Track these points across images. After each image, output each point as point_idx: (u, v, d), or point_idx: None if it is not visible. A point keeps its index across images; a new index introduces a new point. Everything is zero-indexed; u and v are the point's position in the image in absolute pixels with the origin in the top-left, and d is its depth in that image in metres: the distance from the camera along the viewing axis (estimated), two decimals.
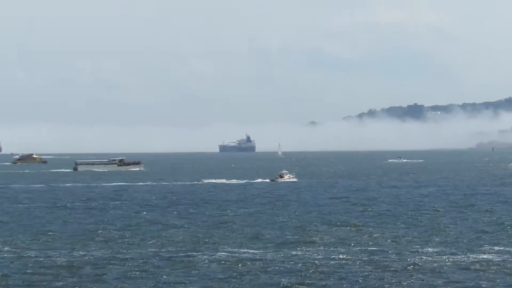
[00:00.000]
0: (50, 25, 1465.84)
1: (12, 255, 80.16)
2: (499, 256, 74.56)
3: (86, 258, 77.73)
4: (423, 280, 63.15)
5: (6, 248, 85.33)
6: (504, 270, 67.09)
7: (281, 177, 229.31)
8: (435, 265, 70.64)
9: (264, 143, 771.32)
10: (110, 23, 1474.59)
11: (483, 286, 60.65)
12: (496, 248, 79.98)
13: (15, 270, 70.91)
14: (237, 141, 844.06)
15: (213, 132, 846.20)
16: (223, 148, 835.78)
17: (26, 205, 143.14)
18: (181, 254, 79.86)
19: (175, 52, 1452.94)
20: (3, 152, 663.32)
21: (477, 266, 68.95)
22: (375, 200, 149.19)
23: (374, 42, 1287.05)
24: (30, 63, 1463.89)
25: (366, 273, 66.07)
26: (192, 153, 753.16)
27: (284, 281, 64.01)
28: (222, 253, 79.51)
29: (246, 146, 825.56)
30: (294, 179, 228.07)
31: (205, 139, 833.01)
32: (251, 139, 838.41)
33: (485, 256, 74.57)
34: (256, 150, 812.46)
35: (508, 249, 79.52)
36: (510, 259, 72.41)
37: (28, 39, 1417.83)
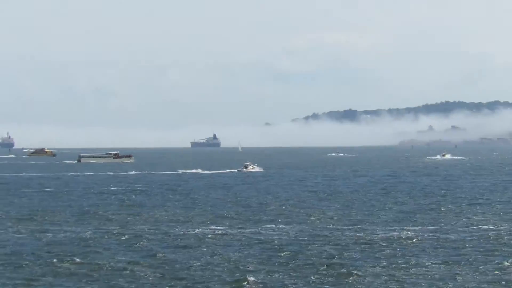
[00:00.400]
0: (49, 42, 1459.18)
1: (24, 231, 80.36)
2: (419, 233, 75.67)
3: (86, 234, 77.90)
4: (360, 251, 63.86)
5: (19, 226, 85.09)
6: (423, 243, 68.01)
7: (246, 167, 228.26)
8: (368, 239, 71.60)
9: (228, 141, 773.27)
10: (103, 40, 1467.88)
11: (408, 255, 61.48)
12: (417, 227, 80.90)
13: (27, 245, 70.74)
14: (206, 138, 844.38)
15: (187, 132, 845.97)
16: (194, 144, 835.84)
17: (36, 190, 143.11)
18: (164, 230, 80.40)
19: (158, 65, 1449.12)
20: (16, 147, 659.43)
21: (403, 241, 69.91)
22: (318, 186, 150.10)
23: (319, 59, 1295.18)
24: (36, 74, 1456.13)
25: (315, 246, 66.84)
26: (170, 148, 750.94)
27: (246, 252, 64.71)
28: (197, 229, 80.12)
29: (213, 142, 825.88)
30: (257, 170, 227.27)
31: (179, 137, 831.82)
32: (217, 137, 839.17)
33: (408, 233, 75.61)
34: (221, 146, 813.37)
35: (426, 227, 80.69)
36: (427, 235, 73.59)
37: (34, 53, 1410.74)
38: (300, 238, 72.09)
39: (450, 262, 58.88)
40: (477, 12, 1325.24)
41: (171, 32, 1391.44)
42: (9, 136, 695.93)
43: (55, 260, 60.99)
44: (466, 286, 51.72)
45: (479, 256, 61.86)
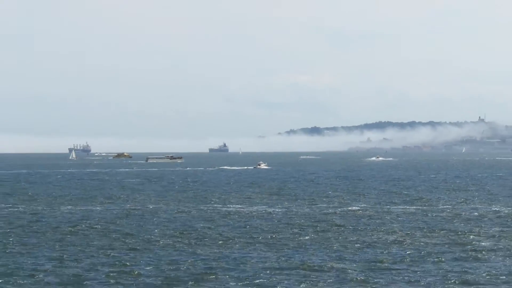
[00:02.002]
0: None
1: (97, 208, 77.20)
2: (361, 209, 74.58)
3: (142, 208, 75.44)
4: (308, 224, 61.60)
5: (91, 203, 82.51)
6: (371, 214, 67.88)
7: (259, 165, 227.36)
8: (324, 211, 71.20)
9: (233, 148, 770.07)
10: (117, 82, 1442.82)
11: (342, 223, 61.03)
12: (362, 204, 79.73)
13: (93, 217, 67.28)
14: (219, 146, 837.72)
15: (207, 142, 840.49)
16: (211, 150, 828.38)
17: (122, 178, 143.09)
18: (207, 206, 79.19)
19: (184, 96, 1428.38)
20: (92, 151, 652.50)
21: (354, 212, 70.04)
22: (300, 176, 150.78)
23: (293, 93, 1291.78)
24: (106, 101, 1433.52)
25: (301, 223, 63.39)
26: (195, 152, 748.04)
27: (254, 223, 62.72)
28: (229, 207, 78.80)
29: (223, 149, 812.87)
30: (267, 167, 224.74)
31: (201, 145, 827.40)
32: (226, 145, 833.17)
33: (353, 208, 74.79)
34: (229, 151, 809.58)
35: (364, 205, 79.59)
36: (369, 210, 72.86)
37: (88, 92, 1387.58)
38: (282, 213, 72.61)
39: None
40: (395, 60, 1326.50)
41: (194, 78, 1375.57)
42: (88, 144, 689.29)
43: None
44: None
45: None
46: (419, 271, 39.38)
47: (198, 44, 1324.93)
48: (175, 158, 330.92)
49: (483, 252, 45.25)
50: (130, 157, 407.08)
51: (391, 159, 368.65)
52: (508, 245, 48.39)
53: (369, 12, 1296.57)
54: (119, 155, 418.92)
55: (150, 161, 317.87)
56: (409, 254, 44.81)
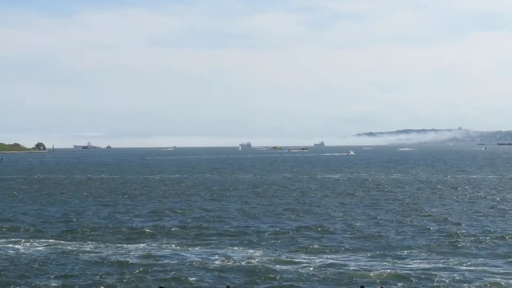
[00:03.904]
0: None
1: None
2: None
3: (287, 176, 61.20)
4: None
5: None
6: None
7: (349, 152, 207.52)
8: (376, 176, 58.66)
9: (327, 143, 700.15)
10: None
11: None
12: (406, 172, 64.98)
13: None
14: (319, 142, 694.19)
15: (312, 140, 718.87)
16: (315, 144, 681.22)
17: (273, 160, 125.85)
18: (331, 173, 65.59)
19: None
20: (252, 146, 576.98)
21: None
22: (367, 157, 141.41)
23: (362, 116, 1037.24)
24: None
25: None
26: (307, 146, 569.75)
27: (350, 181, 51.98)
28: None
29: (321, 144, 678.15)
30: (354, 153, 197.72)
31: (310, 142, 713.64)
32: (323, 142, 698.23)
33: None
34: (325, 145, 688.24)
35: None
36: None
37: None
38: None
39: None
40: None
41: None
42: (249, 142, 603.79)
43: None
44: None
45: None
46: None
47: None
48: (304, 149, 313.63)
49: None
50: (280, 148, 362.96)
51: (412, 149, 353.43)
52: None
53: None
54: (274, 148, 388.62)
55: (291, 151, 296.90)
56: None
